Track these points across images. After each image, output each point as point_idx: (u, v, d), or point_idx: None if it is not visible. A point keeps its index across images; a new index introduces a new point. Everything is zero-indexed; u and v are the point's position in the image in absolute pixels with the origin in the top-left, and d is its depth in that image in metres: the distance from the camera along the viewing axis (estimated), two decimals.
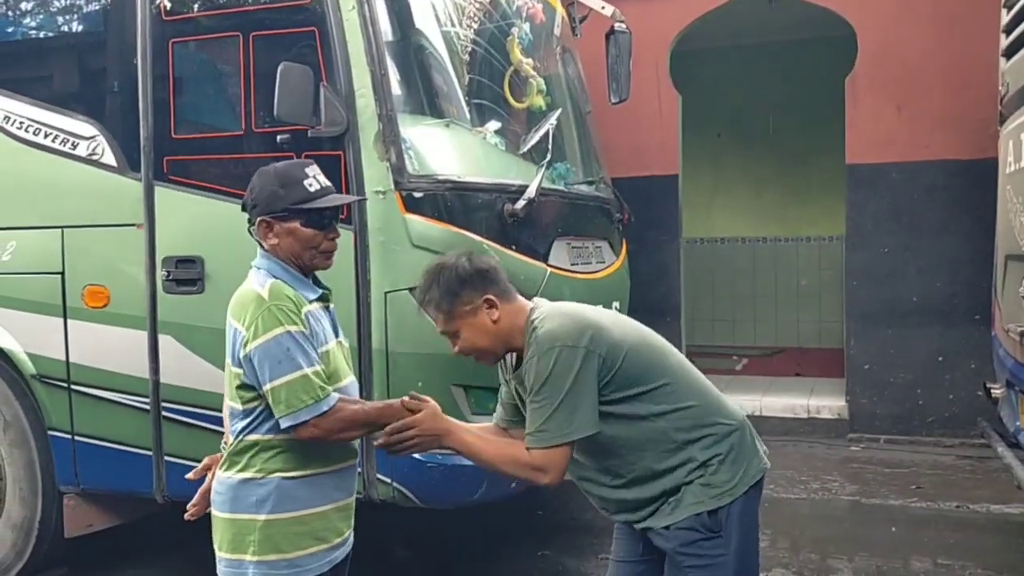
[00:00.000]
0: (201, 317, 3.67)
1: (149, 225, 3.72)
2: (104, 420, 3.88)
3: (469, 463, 3.48)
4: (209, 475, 2.27)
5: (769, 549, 4.34)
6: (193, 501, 2.31)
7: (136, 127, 3.73)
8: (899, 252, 6.35)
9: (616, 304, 4.43)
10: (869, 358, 6.45)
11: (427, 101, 3.88)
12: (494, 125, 3.99)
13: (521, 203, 3.69)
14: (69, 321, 3.88)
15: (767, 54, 8.37)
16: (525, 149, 4.04)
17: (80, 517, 4.05)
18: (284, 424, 2.06)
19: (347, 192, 3.40)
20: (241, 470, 2.13)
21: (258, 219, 2.15)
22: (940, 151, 6.20)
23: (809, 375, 7.70)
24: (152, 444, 3.77)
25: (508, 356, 2.33)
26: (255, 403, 2.11)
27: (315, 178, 2.18)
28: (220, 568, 2.16)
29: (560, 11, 4.75)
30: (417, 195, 3.49)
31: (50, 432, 3.97)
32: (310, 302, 2.16)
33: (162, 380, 3.73)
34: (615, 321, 2.27)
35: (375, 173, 3.45)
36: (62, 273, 3.88)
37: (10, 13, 4.28)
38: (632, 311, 4.36)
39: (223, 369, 3.62)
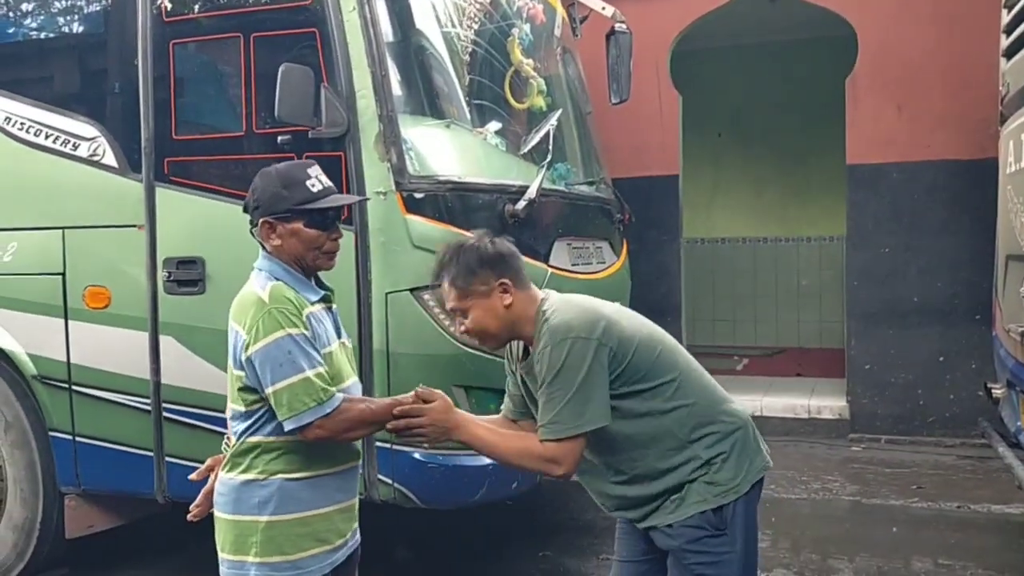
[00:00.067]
0: (202, 318, 3.67)
1: (150, 226, 3.72)
2: (105, 421, 3.88)
3: (470, 464, 3.57)
4: (212, 476, 2.26)
5: (770, 549, 4.34)
6: (196, 502, 2.31)
7: (137, 128, 3.73)
8: (900, 252, 6.35)
9: (617, 305, 4.42)
10: (870, 358, 6.45)
11: (428, 102, 3.89)
12: (495, 126, 3.99)
13: (522, 204, 3.69)
14: (70, 322, 3.88)
15: (767, 54, 8.37)
16: (526, 150, 4.05)
17: (81, 518, 4.05)
18: (288, 427, 2.05)
19: (348, 193, 3.40)
20: (243, 471, 2.13)
21: (261, 220, 2.14)
22: (940, 151, 6.20)
23: (810, 375, 7.70)
24: (153, 445, 3.78)
25: (515, 346, 2.33)
26: (257, 405, 2.11)
27: (317, 178, 2.18)
28: (223, 569, 2.16)
29: (560, 12, 4.75)
30: (418, 196, 3.49)
31: (51, 433, 3.97)
32: (312, 303, 2.16)
33: (163, 381, 3.74)
34: (625, 315, 2.27)
35: (376, 174, 3.46)
36: (63, 274, 3.89)
37: (11, 14, 4.28)
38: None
39: (224, 370, 3.62)
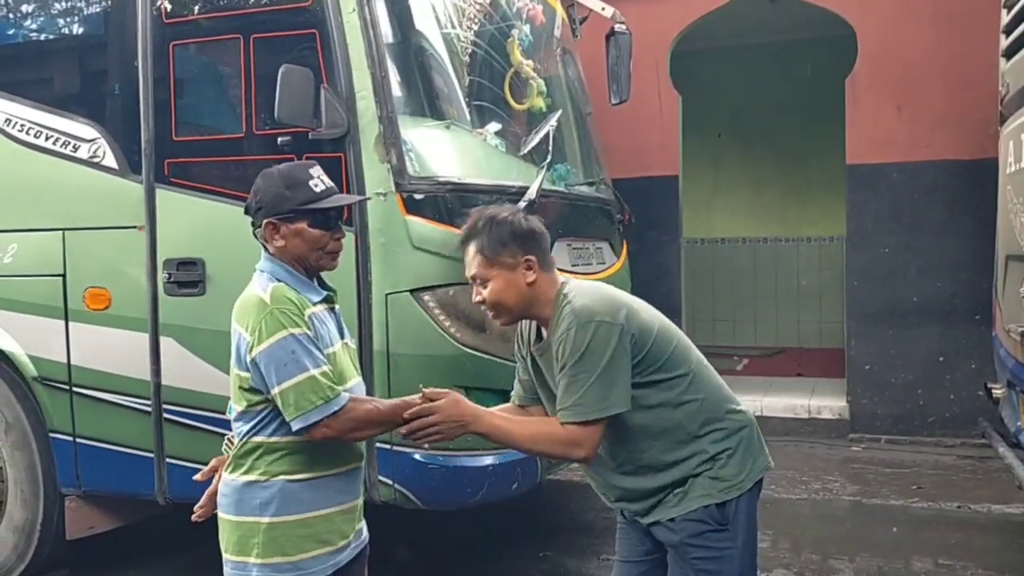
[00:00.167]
0: (202, 319, 3.67)
1: (150, 227, 3.72)
2: (105, 422, 3.88)
3: (470, 464, 3.57)
4: (216, 477, 2.27)
5: (770, 549, 4.34)
6: (200, 503, 2.31)
7: (137, 129, 3.73)
8: (900, 252, 6.36)
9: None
10: (870, 358, 6.45)
11: (428, 103, 3.89)
12: (494, 127, 3.99)
13: (522, 204, 3.69)
14: (70, 323, 3.88)
15: (767, 54, 8.37)
16: (525, 150, 4.04)
17: (82, 519, 4.05)
18: (296, 427, 2.05)
19: (347, 194, 3.40)
20: (245, 472, 2.13)
21: (264, 221, 2.14)
22: (940, 151, 6.21)
23: (810, 375, 7.71)
24: (153, 446, 3.78)
25: (526, 329, 2.34)
26: (260, 406, 2.11)
27: (319, 179, 2.18)
28: (226, 570, 2.17)
29: (560, 12, 4.75)
30: (418, 197, 3.49)
31: (51, 434, 3.97)
32: (314, 304, 2.16)
33: (163, 382, 3.74)
34: (643, 306, 2.27)
35: (376, 175, 3.46)
36: (63, 275, 3.89)
37: (11, 16, 4.29)
38: None
39: (224, 371, 3.62)
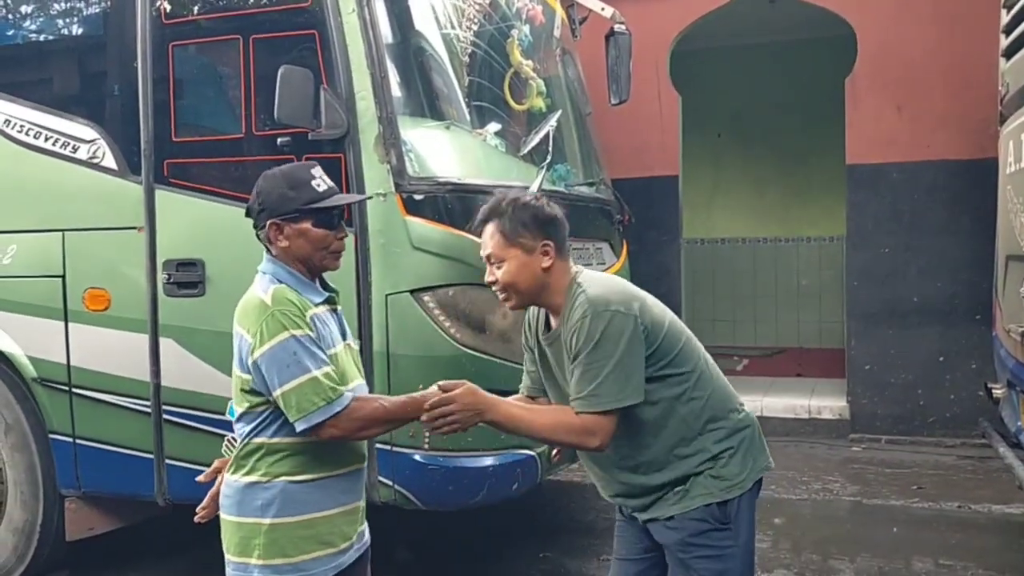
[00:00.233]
0: (202, 320, 3.67)
1: (150, 228, 3.72)
2: (105, 423, 3.88)
3: (470, 465, 3.56)
4: (219, 478, 2.27)
5: (771, 550, 4.34)
6: (203, 504, 2.31)
7: (136, 130, 3.73)
8: (900, 252, 6.36)
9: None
10: (870, 358, 6.45)
11: (427, 103, 3.89)
12: (494, 127, 3.99)
13: None
14: (70, 324, 3.88)
15: (767, 54, 8.37)
16: (525, 151, 4.04)
17: (81, 520, 4.05)
18: (299, 427, 2.05)
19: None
20: (247, 473, 2.13)
21: (268, 222, 2.14)
22: (941, 151, 6.20)
23: (810, 375, 7.71)
24: (153, 447, 3.77)
25: (534, 319, 2.35)
26: (262, 407, 2.11)
27: (321, 179, 2.19)
28: (228, 571, 2.17)
29: (560, 13, 4.75)
30: (417, 197, 3.49)
31: (51, 435, 3.97)
32: (316, 305, 2.15)
33: (163, 383, 3.74)
34: (654, 301, 2.27)
35: (376, 175, 3.45)
36: (63, 276, 3.89)
37: (10, 16, 4.28)
38: None
39: (224, 372, 3.62)
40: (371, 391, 3.37)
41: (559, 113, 4.30)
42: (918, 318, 6.30)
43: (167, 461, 3.77)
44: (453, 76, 3.93)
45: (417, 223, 3.48)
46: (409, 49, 3.90)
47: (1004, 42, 4.19)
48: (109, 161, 3.83)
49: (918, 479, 5.52)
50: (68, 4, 4.25)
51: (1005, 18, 4.18)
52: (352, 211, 3.41)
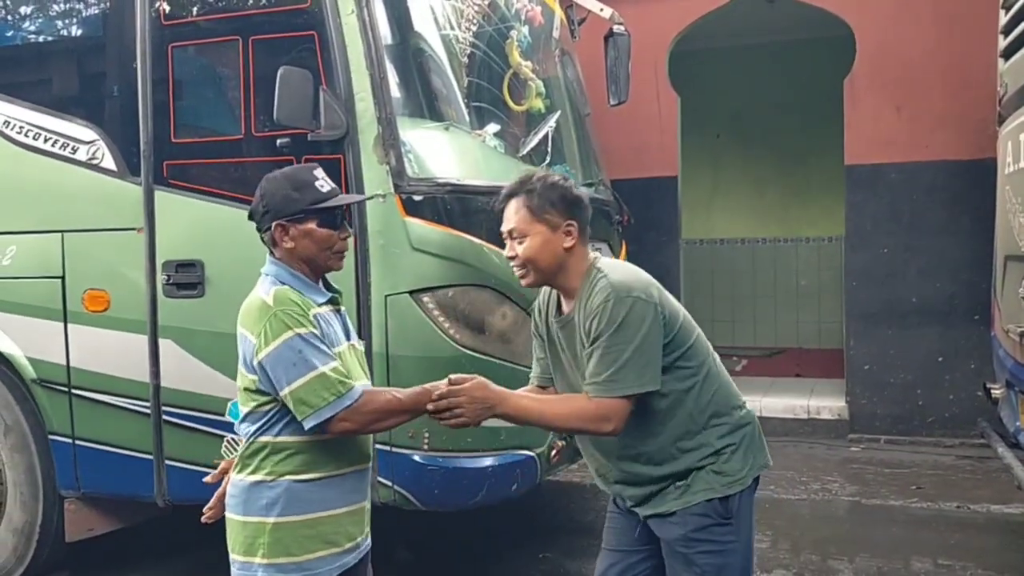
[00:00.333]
0: (201, 321, 3.67)
1: (149, 229, 3.72)
2: (105, 424, 3.88)
3: (470, 466, 3.57)
4: (225, 479, 2.28)
5: (770, 550, 4.35)
6: (209, 504, 2.32)
7: (136, 131, 3.73)
8: (899, 252, 6.36)
9: None
10: (869, 359, 6.45)
11: (426, 104, 3.89)
12: (493, 128, 3.99)
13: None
14: (69, 325, 3.88)
15: (767, 54, 8.37)
16: (524, 152, 4.05)
17: (81, 521, 4.05)
18: (309, 424, 2.05)
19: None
20: (252, 472, 2.14)
21: (274, 223, 2.15)
22: (940, 151, 6.21)
23: (809, 376, 7.72)
24: (153, 448, 3.77)
25: (544, 305, 2.35)
26: (267, 406, 2.12)
27: (324, 180, 2.21)
28: (233, 570, 2.17)
29: (559, 13, 4.76)
30: (417, 198, 3.49)
31: (51, 436, 3.97)
32: (319, 305, 2.17)
33: (162, 384, 3.73)
34: (668, 293, 2.28)
35: (375, 176, 3.46)
36: (62, 277, 3.88)
37: (10, 17, 4.29)
38: None
39: (224, 373, 3.64)
40: None
41: (558, 114, 4.31)
42: (917, 318, 6.31)
43: (166, 462, 3.77)
44: (452, 77, 3.94)
45: (416, 224, 3.48)
46: (408, 50, 3.90)
47: (1003, 43, 4.20)
48: (108, 162, 3.83)
49: (917, 479, 5.53)
50: (67, 5, 4.25)
51: (1004, 19, 4.18)
52: (352, 212, 3.41)
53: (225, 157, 3.71)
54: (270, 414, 2.12)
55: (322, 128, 3.42)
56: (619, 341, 2.09)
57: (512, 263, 2.25)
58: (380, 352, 3.47)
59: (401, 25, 3.84)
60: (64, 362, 3.89)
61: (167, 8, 3.72)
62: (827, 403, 6.72)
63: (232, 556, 2.17)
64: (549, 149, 3.98)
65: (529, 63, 4.25)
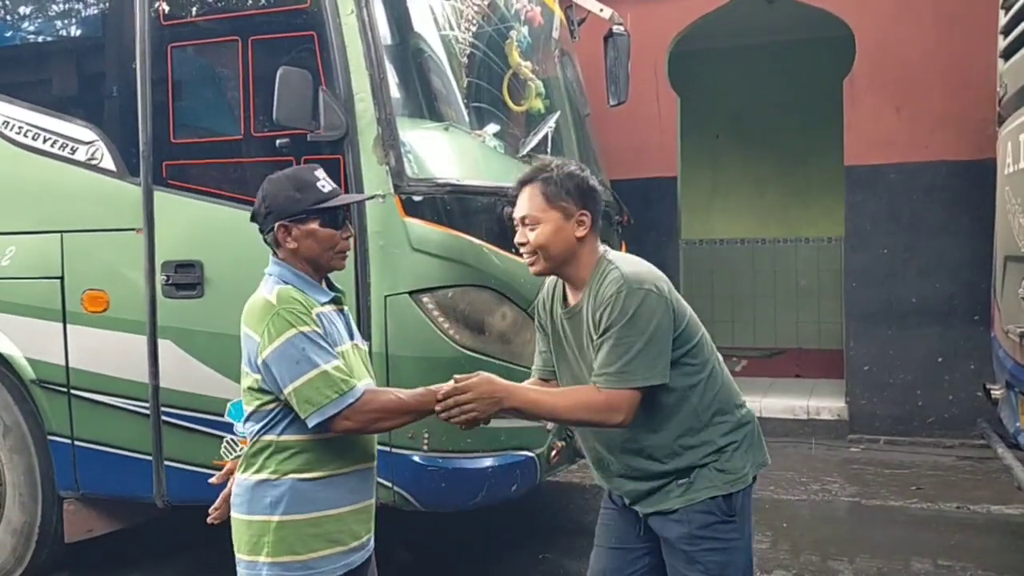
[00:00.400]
0: (200, 321, 3.67)
1: (148, 229, 3.71)
2: (104, 425, 3.87)
3: (469, 466, 3.56)
4: (231, 479, 2.28)
5: (770, 551, 4.34)
6: (215, 504, 2.33)
7: (135, 131, 3.71)
8: (898, 253, 6.36)
9: None
10: (869, 359, 6.45)
11: (426, 104, 3.88)
12: (493, 128, 3.99)
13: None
14: (68, 326, 3.87)
15: (766, 55, 8.37)
16: (524, 152, 4.04)
17: (80, 522, 4.04)
18: (312, 422, 2.06)
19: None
20: (257, 471, 2.15)
21: (276, 224, 2.17)
22: (939, 152, 6.21)
23: (809, 376, 7.71)
24: (152, 449, 3.77)
25: (549, 297, 2.35)
26: (271, 405, 2.13)
27: (325, 180, 2.23)
28: (239, 570, 2.18)
29: (558, 14, 4.75)
30: (416, 199, 3.49)
31: (50, 437, 3.96)
32: (322, 304, 2.18)
33: (161, 384, 3.72)
34: (674, 288, 2.29)
35: (374, 177, 3.45)
36: (61, 278, 3.88)
37: (9, 18, 4.28)
38: None
39: (223, 373, 3.64)
40: None
41: (558, 114, 4.30)
42: (917, 319, 6.31)
43: (166, 463, 3.77)
44: (452, 77, 3.93)
45: (416, 224, 3.48)
46: (408, 50, 3.90)
47: (1002, 43, 4.20)
48: (108, 162, 3.83)
49: (917, 480, 5.52)
50: (66, 5, 4.25)
51: (1003, 19, 4.18)
52: (351, 212, 3.41)
53: (224, 157, 3.70)
54: (274, 413, 2.13)
55: (322, 128, 3.41)
56: (630, 333, 2.10)
57: (522, 249, 2.26)
58: (380, 353, 3.47)
59: (401, 25, 3.84)
60: (63, 363, 3.89)
61: (166, 8, 3.71)
62: (827, 403, 6.71)
63: (237, 556, 2.18)
64: (549, 149, 3.98)
65: (529, 63, 4.25)
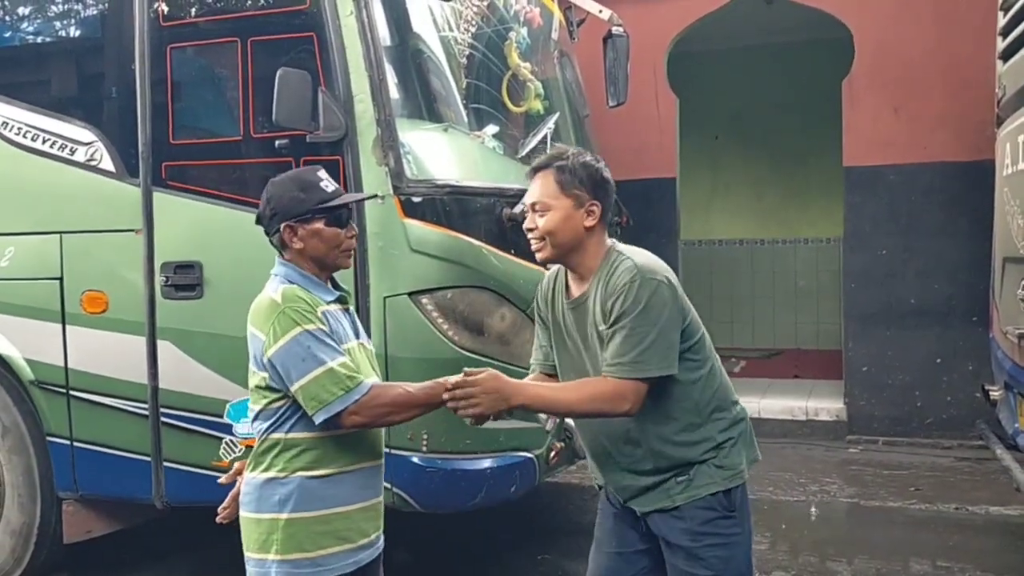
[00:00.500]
0: (200, 322, 3.67)
1: (148, 230, 3.71)
2: (102, 426, 3.87)
3: (469, 468, 3.57)
4: (239, 479, 2.30)
5: (768, 551, 4.35)
6: (224, 504, 2.35)
7: (134, 132, 3.71)
8: (897, 254, 6.36)
9: None
10: (867, 360, 6.45)
11: (425, 105, 3.89)
12: (492, 129, 3.99)
13: (520, 207, 3.68)
14: (68, 327, 3.87)
15: (765, 56, 8.38)
16: (523, 153, 4.05)
17: (79, 523, 4.04)
18: (319, 419, 2.08)
19: None
20: (265, 470, 2.16)
21: (283, 225, 2.19)
22: (938, 153, 6.21)
23: (807, 377, 7.71)
24: (151, 450, 3.77)
25: (550, 289, 2.36)
26: (278, 403, 2.15)
27: (328, 180, 2.25)
28: (248, 568, 2.20)
29: (557, 15, 4.76)
30: (416, 199, 3.49)
31: (49, 438, 3.96)
32: (327, 303, 2.20)
33: (160, 386, 3.72)
34: None
35: (374, 178, 3.45)
36: (61, 279, 3.88)
37: (8, 18, 4.28)
38: None
39: (222, 374, 3.64)
40: None
41: (557, 115, 4.31)
42: (915, 320, 6.31)
43: (165, 464, 3.76)
44: (451, 78, 3.93)
45: (415, 225, 3.48)
46: (407, 51, 3.90)
47: (1001, 44, 4.20)
48: (107, 163, 3.83)
49: (915, 481, 5.53)
50: (66, 6, 4.25)
51: (1002, 20, 4.19)
52: (351, 213, 3.40)
53: (224, 158, 3.71)
54: (281, 411, 2.15)
55: (321, 129, 3.42)
56: (645, 323, 2.11)
57: (530, 235, 2.27)
58: (379, 354, 3.42)
59: (400, 26, 3.84)
60: (62, 364, 3.89)
61: (166, 9, 3.72)
62: (825, 404, 6.72)
63: (247, 554, 2.20)
64: (548, 151, 3.97)
65: (528, 64, 4.25)
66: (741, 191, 9.05)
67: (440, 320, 3.50)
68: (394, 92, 3.58)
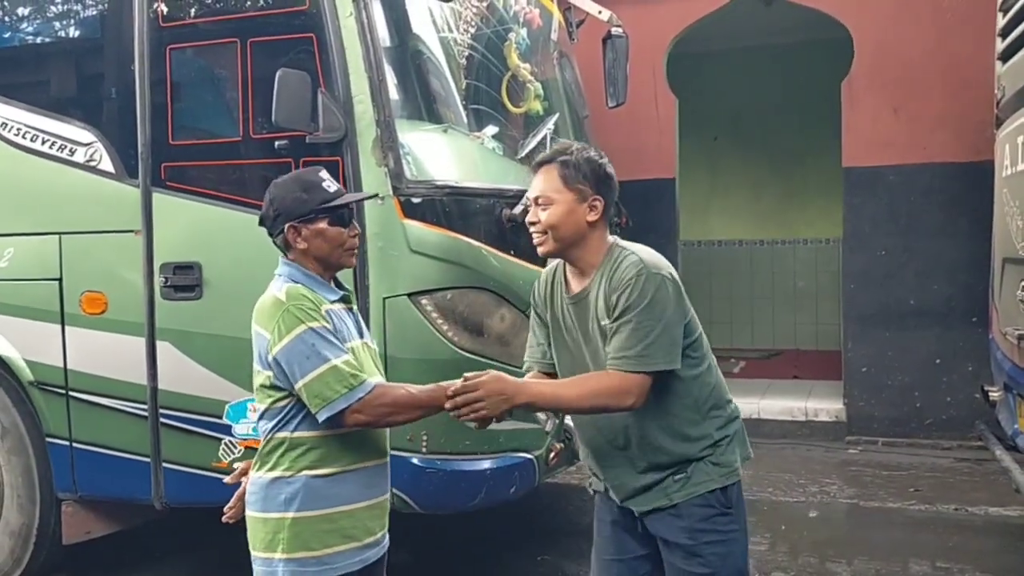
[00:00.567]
0: (199, 323, 3.67)
1: (147, 231, 3.71)
2: (102, 427, 3.87)
3: (468, 469, 3.57)
4: (245, 479, 2.30)
5: (768, 552, 4.34)
6: (230, 504, 2.35)
7: (134, 133, 3.71)
8: (896, 254, 6.37)
9: None
10: (867, 360, 6.45)
11: (425, 106, 3.89)
12: (492, 130, 3.99)
13: (519, 208, 3.69)
14: (67, 327, 3.87)
15: (764, 57, 8.38)
16: (523, 154, 4.05)
17: (78, 524, 4.03)
18: (322, 417, 2.09)
19: None
20: (271, 469, 2.17)
21: (286, 225, 2.20)
22: (937, 153, 6.22)
23: (807, 377, 7.71)
24: (150, 451, 3.76)
25: (548, 286, 2.36)
26: (283, 402, 2.16)
27: (330, 180, 2.27)
28: (255, 567, 2.20)
29: (557, 16, 4.76)
30: (415, 200, 3.49)
31: (48, 439, 3.96)
32: (331, 302, 2.21)
33: (160, 386, 3.72)
34: None
35: (373, 178, 3.45)
36: (60, 279, 3.88)
37: (7, 19, 4.28)
38: None
39: (221, 375, 3.64)
40: None
41: (556, 116, 4.31)
42: (915, 320, 6.31)
43: (164, 464, 3.76)
44: (451, 79, 3.93)
45: (415, 226, 3.48)
46: (407, 52, 3.90)
47: (1000, 45, 4.20)
48: (106, 164, 3.83)
49: (915, 481, 5.53)
50: (65, 6, 4.24)
51: (1001, 21, 4.19)
52: (353, 212, 3.41)
53: (223, 159, 3.70)
54: (286, 410, 2.16)
55: (320, 130, 3.41)
56: (650, 317, 2.12)
57: (532, 229, 2.27)
58: (378, 354, 3.46)
59: (400, 27, 3.84)
60: (61, 364, 3.88)
61: (165, 10, 3.72)
62: (825, 405, 6.72)
63: (253, 553, 2.21)
64: (548, 151, 3.98)
65: (527, 65, 4.25)
66: (740, 192, 9.05)
67: (440, 321, 3.50)
68: (394, 93, 3.58)
